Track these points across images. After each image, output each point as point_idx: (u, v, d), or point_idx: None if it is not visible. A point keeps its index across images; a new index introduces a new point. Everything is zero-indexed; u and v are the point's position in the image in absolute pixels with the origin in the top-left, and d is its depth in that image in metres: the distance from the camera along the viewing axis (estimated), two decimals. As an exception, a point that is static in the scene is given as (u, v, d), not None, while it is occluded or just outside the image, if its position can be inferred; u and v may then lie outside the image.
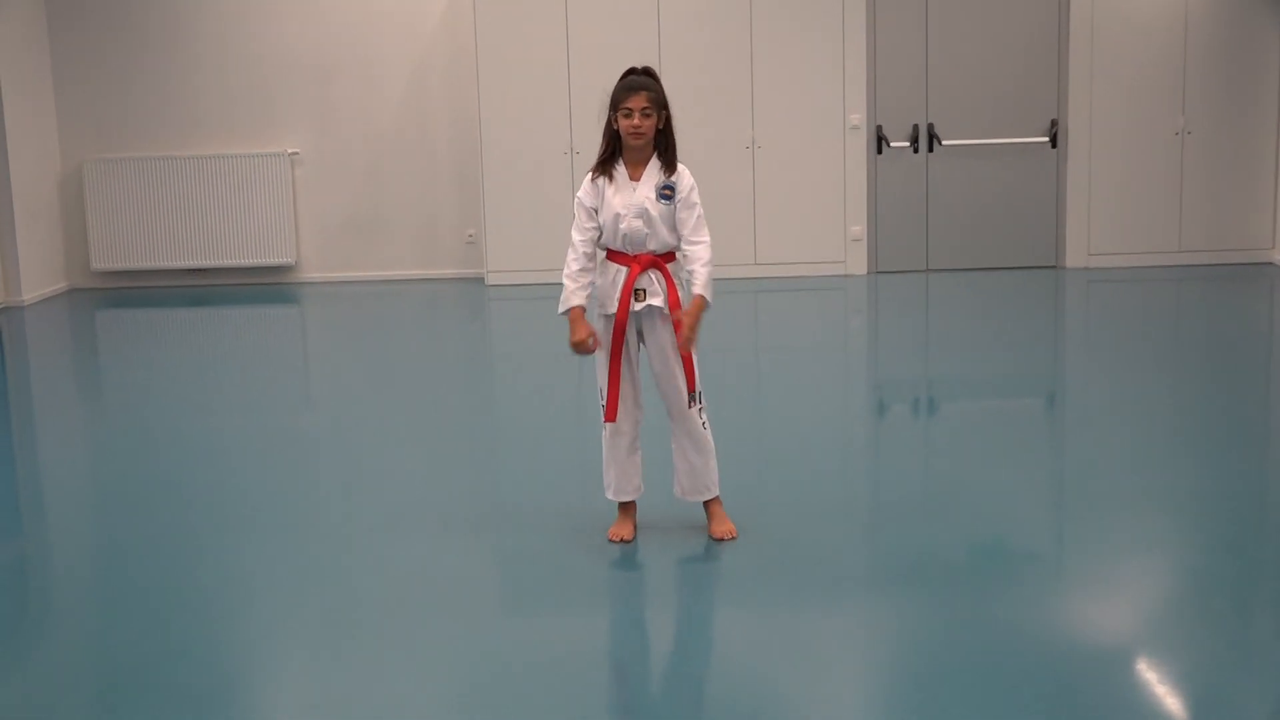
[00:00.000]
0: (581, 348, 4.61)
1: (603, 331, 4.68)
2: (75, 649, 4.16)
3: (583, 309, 4.62)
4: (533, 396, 7.43)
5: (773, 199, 10.71)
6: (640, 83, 4.60)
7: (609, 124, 4.65)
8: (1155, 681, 3.71)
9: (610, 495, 4.84)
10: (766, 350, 8.73)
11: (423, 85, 11.05)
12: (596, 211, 4.65)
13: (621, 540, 4.79)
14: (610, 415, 4.69)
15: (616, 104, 4.60)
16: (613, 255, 4.68)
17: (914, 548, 4.77)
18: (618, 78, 4.68)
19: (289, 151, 11.09)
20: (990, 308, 9.79)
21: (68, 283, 11.27)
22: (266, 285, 11.23)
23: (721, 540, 4.80)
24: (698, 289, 4.55)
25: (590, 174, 4.70)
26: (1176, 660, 3.87)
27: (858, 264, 10.85)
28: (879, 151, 10.83)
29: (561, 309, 4.66)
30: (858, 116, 10.68)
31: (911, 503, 5.33)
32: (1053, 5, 10.68)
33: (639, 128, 4.56)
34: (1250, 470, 5.77)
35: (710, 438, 4.80)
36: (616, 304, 4.64)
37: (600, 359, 4.70)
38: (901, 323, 9.59)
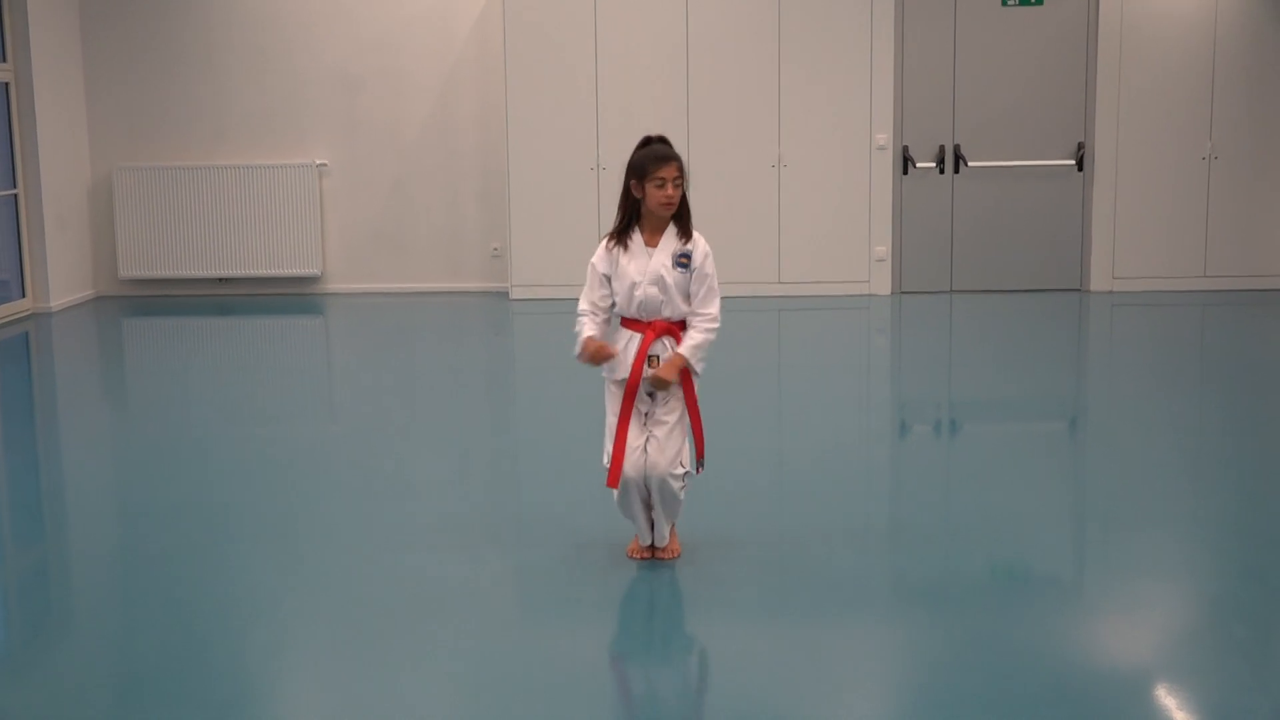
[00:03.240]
0: (595, 350, 4.55)
1: (612, 396, 4.67)
2: (96, 655, 4.19)
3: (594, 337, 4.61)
4: (555, 411, 7.45)
5: (798, 218, 10.71)
6: (670, 152, 4.57)
7: (628, 192, 4.60)
8: (1174, 708, 3.70)
9: (642, 541, 4.82)
10: (789, 370, 8.72)
11: (451, 98, 11.11)
12: (609, 279, 4.64)
13: (641, 556, 4.79)
14: (612, 481, 4.63)
15: (645, 174, 4.54)
16: (626, 323, 4.67)
17: (934, 569, 4.77)
18: (641, 142, 4.63)
19: (317, 162, 11.16)
20: (1014, 330, 9.77)
21: (95, 290, 11.35)
22: (292, 296, 11.29)
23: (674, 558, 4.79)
24: (684, 350, 4.56)
25: (606, 241, 4.68)
26: (1196, 687, 3.86)
27: (882, 284, 10.85)
28: (905, 172, 10.83)
29: (578, 348, 4.60)
30: (884, 136, 10.69)
31: (932, 524, 5.32)
32: (1080, 28, 10.68)
33: (672, 198, 4.55)
34: (1272, 496, 5.74)
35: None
36: (629, 369, 4.60)
37: (608, 420, 4.66)
38: (925, 344, 9.58)
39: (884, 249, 10.82)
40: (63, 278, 10.78)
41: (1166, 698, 3.75)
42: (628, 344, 4.63)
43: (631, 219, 4.64)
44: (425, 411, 7.46)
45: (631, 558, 4.80)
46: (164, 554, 5.05)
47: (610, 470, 4.63)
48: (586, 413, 7.44)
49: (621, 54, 10.55)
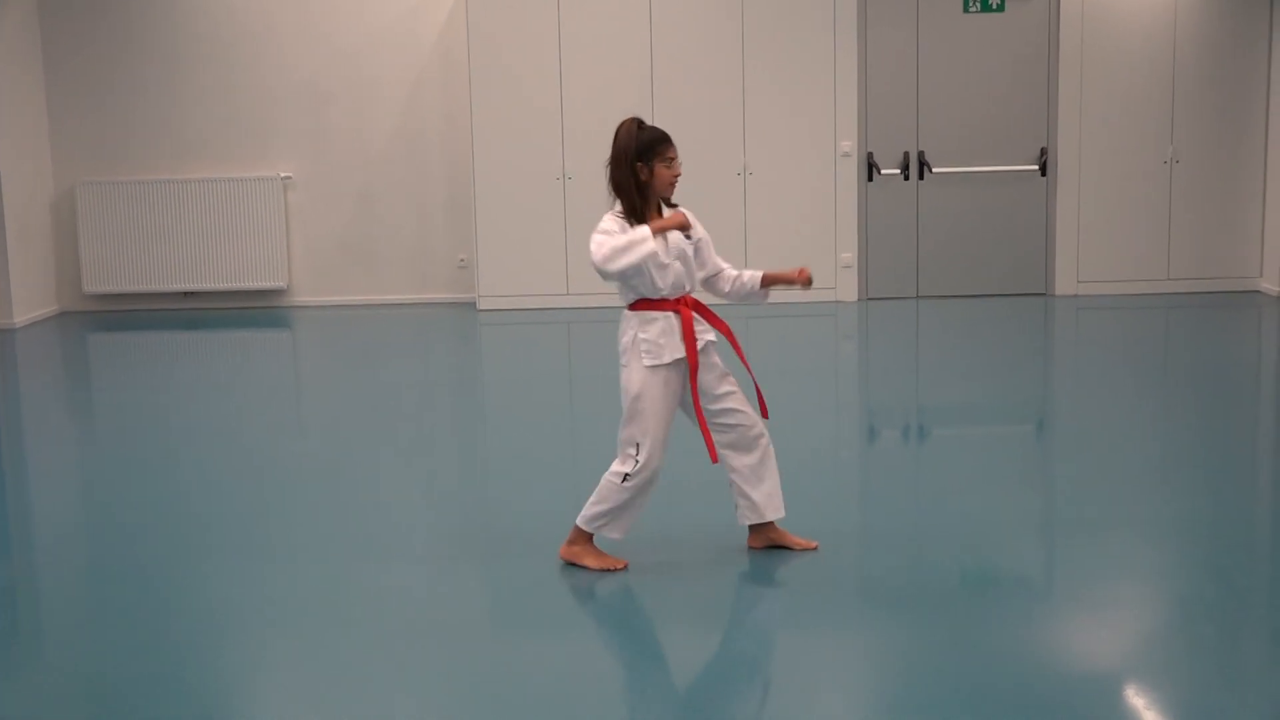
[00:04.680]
0: (684, 222, 4.63)
1: (661, 385, 4.63)
2: (63, 675, 4.15)
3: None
4: (523, 422, 7.44)
5: (764, 225, 10.75)
6: (668, 133, 4.66)
7: (634, 174, 4.60)
8: (1143, 708, 3.73)
9: (610, 535, 4.79)
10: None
11: (416, 110, 11.09)
12: None
13: (614, 569, 4.79)
14: (715, 455, 4.72)
15: (655, 153, 4.60)
16: (645, 304, 4.66)
17: (903, 573, 4.79)
18: (629, 126, 4.64)
19: (281, 175, 11.12)
20: (980, 334, 9.82)
21: (59, 306, 11.27)
22: (258, 309, 11.24)
23: (814, 549, 4.93)
24: (756, 273, 4.91)
25: (615, 218, 4.63)
26: (1164, 687, 3.88)
27: (848, 291, 10.89)
28: (870, 179, 10.88)
29: (650, 247, 4.51)
30: (849, 143, 10.73)
31: (900, 528, 5.34)
32: (1042, 35, 10.76)
33: (679, 176, 4.68)
34: (1238, 496, 5.80)
35: None
36: (679, 349, 4.63)
37: (641, 409, 4.63)
38: (891, 349, 9.63)
39: (850, 255, 10.86)
40: (26, 294, 10.70)
41: (1135, 698, 3.78)
42: (665, 325, 4.63)
43: (639, 202, 4.65)
44: (394, 424, 7.44)
45: (612, 570, 4.78)
46: (132, 571, 5.02)
47: (708, 447, 4.70)
48: (556, 423, 7.46)
49: (586, 64, 10.56)
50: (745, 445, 4.81)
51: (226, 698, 3.98)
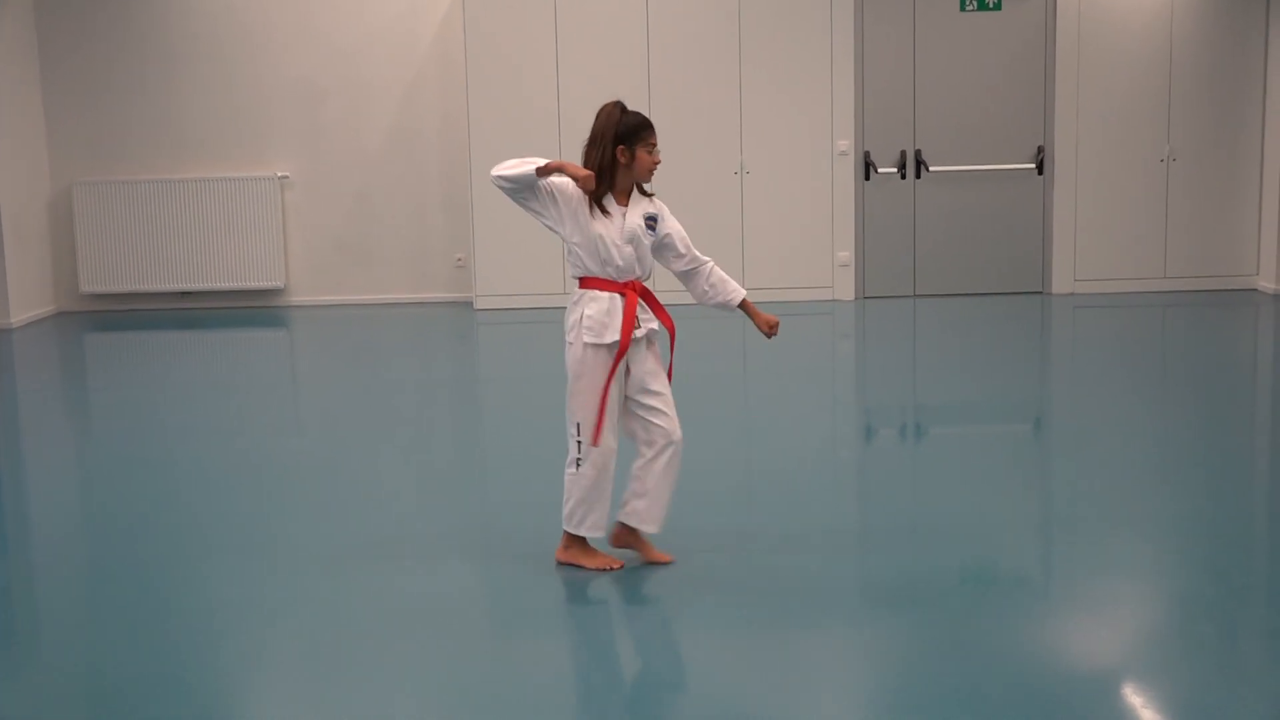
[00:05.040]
0: (588, 178, 4.60)
1: (592, 361, 4.65)
2: (61, 675, 4.15)
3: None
4: (520, 420, 7.44)
5: (761, 224, 10.75)
6: (650, 120, 4.67)
7: (608, 155, 4.62)
8: (1141, 706, 3.73)
9: (592, 532, 4.78)
10: (753, 376, 8.74)
11: (413, 109, 11.09)
12: (555, 202, 4.63)
13: (610, 569, 4.79)
14: (596, 439, 4.66)
15: (638, 138, 4.62)
16: (594, 282, 4.67)
17: (901, 572, 4.79)
18: (611, 110, 4.67)
19: (279, 175, 11.11)
20: (977, 333, 9.83)
21: (56, 306, 11.27)
22: (255, 309, 11.23)
23: (667, 563, 4.81)
24: (740, 291, 4.84)
25: (579, 190, 4.64)
26: (1162, 685, 3.89)
27: (845, 289, 10.90)
28: (866, 177, 10.88)
29: (533, 168, 4.60)
30: (845, 142, 10.74)
31: (898, 527, 5.34)
32: (1039, 33, 10.76)
33: (658, 163, 4.69)
34: (1235, 495, 5.80)
35: None
36: (617, 332, 4.62)
37: (582, 389, 4.65)
38: (888, 348, 9.63)
39: (847, 254, 10.86)
40: (23, 294, 10.69)
41: (1133, 696, 3.78)
42: (608, 305, 4.63)
43: (607, 182, 4.66)
44: (392, 423, 7.44)
45: (608, 569, 4.78)
46: (130, 570, 5.02)
47: (595, 429, 4.64)
48: (553, 421, 7.45)
49: (582, 63, 10.56)
50: (658, 451, 4.72)
51: (225, 697, 3.98)
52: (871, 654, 4.16)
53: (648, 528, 4.79)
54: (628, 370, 4.72)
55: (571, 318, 4.69)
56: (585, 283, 4.68)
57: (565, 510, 4.77)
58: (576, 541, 4.81)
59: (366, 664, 4.09)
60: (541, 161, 4.63)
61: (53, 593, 4.99)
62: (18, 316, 10.56)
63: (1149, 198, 10.87)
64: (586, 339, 4.63)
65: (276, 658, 4.25)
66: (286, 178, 11.16)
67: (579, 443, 4.68)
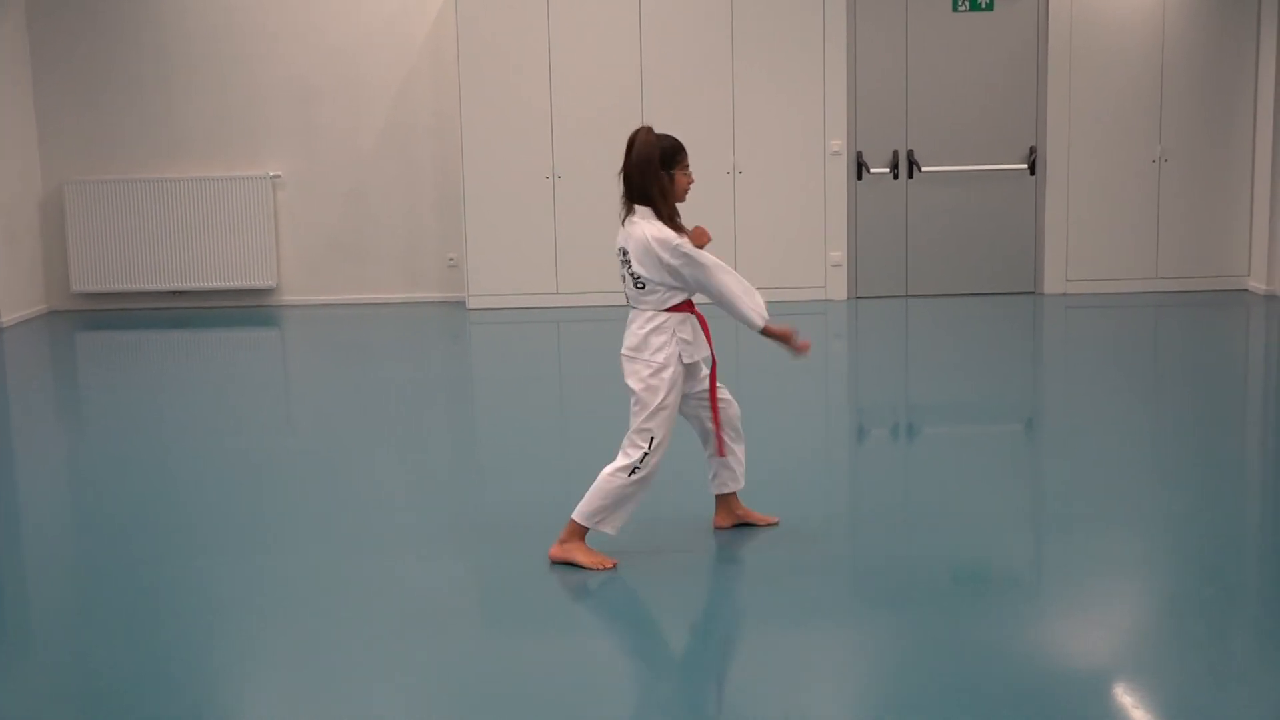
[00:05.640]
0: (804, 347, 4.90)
1: (680, 380, 4.76)
2: (52, 672, 4.14)
3: None
4: (513, 420, 7.44)
5: (754, 224, 10.76)
6: (682, 142, 4.81)
7: (663, 181, 4.73)
8: (1132, 705, 3.73)
9: (608, 530, 4.81)
10: (746, 376, 8.75)
11: (405, 109, 11.09)
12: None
13: (605, 568, 4.79)
14: (723, 450, 4.93)
15: (676, 161, 4.76)
16: (687, 307, 4.81)
17: (893, 571, 4.79)
18: (647, 136, 4.74)
19: (271, 174, 11.10)
20: (969, 333, 9.84)
21: (47, 305, 11.25)
22: (247, 308, 11.22)
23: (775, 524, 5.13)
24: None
25: (673, 229, 4.78)
26: (1154, 684, 3.89)
27: (838, 289, 10.91)
28: (859, 178, 10.90)
29: (761, 322, 4.82)
30: (838, 143, 10.75)
31: (891, 526, 5.35)
32: (1031, 34, 10.78)
33: (693, 182, 4.86)
34: (1227, 494, 5.81)
35: None
36: (706, 348, 4.83)
37: (668, 404, 4.72)
38: (881, 348, 9.64)
39: (840, 254, 10.87)
40: (14, 293, 10.67)
41: (1125, 695, 3.79)
42: (695, 325, 4.81)
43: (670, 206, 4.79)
44: (384, 422, 7.43)
45: (603, 569, 4.78)
46: (122, 568, 5.01)
47: (717, 438, 4.92)
48: (545, 421, 7.46)
49: (575, 63, 10.56)
50: (729, 418, 5.00)
51: (218, 694, 3.98)
52: (865, 652, 4.16)
53: (737, 487, 5.06)
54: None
55: (660, 339, 4.73)
56: (679, 307, 4.78)
57: (588, 508, 4.77)
58: (576, 535, 4.81)
59: (359, 660, 4.09)
60: (768, 320, 4.86)
61: (45, 592, 4.98)
62: (9, 315, 10.54)
63: (1141, 198, 10.89)
64: (685, 359, 4.75)
65: (270, 654, 4.24)
66: (278, 177, 11.15)
67: (646, 452, 4.71)
